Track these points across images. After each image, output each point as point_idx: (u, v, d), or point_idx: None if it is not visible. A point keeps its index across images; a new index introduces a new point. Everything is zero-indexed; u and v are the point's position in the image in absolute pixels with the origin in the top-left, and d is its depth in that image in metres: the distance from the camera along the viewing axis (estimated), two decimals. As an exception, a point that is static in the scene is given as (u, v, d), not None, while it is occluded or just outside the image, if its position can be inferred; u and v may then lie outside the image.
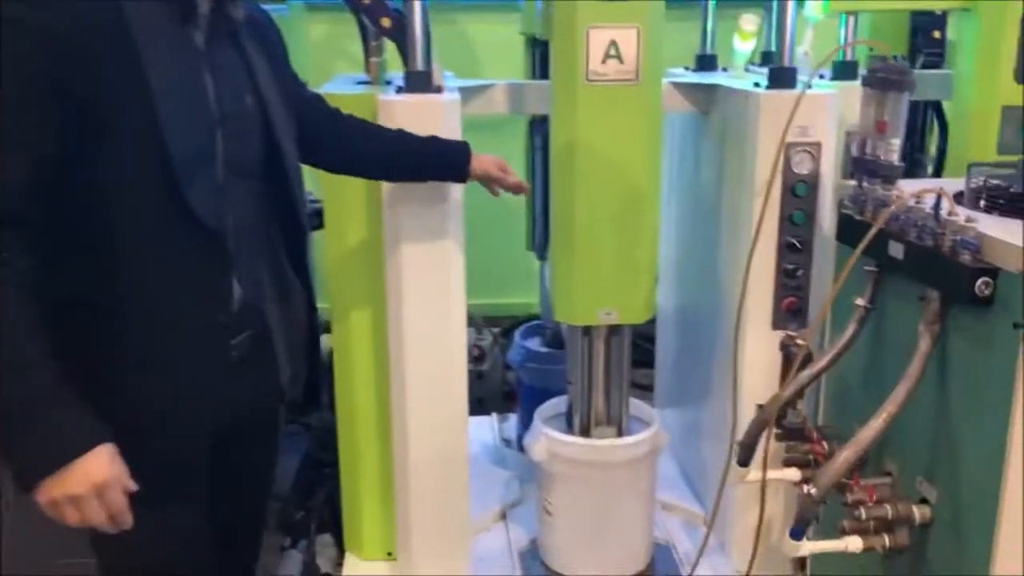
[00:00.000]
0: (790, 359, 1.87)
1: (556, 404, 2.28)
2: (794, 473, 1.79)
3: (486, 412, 3.11)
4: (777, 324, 2.03)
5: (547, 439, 2.10)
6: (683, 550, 2.29)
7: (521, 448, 2.74)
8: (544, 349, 2.69)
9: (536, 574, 2.20)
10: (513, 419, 3.02)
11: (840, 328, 1.77)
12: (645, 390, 2.97)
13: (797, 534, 1.60)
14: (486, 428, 2.97)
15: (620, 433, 2.11)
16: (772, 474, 1.75)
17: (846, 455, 1.55)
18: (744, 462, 1.80)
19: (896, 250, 1.58)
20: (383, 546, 2.23)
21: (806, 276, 2.01)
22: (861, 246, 1.57)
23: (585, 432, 2.13)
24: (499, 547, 2.32)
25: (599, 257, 1.93)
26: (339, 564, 2.31)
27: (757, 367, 2.05)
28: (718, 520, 2.22)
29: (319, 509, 2.50)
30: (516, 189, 1.90)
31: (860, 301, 1.70)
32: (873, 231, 1.56)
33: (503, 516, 2.46)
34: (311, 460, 2.65)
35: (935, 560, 1.58)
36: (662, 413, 2.42)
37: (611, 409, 2.15)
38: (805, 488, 1.57)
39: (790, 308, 2.01)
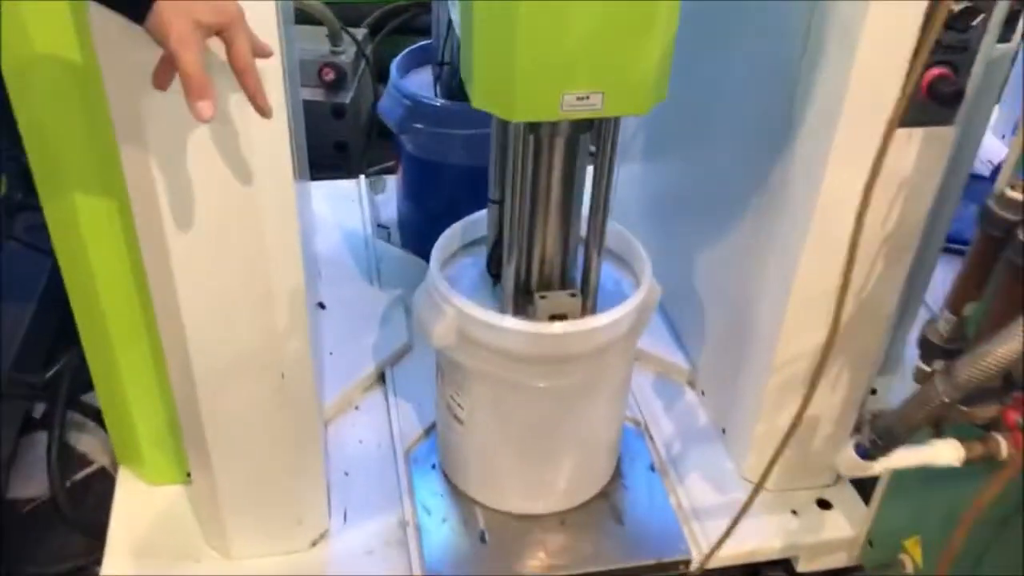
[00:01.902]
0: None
1: (467, 229, 1.33)
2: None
3: (351, 172, 2.11)
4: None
5: (456, 313, 1.17)
6: (660, 439, 1.50)
7: (406, 245, 1.82)
8: (439, 100, 1.65)
9: (436, 494, 1.38)
10: (392, 186, 2.04)
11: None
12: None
13: (864, 452, 1.02)
14: (351, 203, 2.00)
15: (582, 302, 1.20)
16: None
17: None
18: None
19: None
20: (174, 464, 1.35)
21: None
22: None
23: (522, 301, 1.21)
24: (373, 443, 1.46)
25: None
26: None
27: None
28: (719, 398, 1.42)
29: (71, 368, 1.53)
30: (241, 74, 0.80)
31: None
32: None
33: (380, 378, 1.58)
34: (53, 296, 1.64)
35: None
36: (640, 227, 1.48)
37: (567, 259, 1.22)
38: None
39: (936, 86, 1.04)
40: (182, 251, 0.99)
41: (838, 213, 1.11)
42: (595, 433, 1.33)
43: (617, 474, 1.42)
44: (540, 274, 1.22)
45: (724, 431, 1.48)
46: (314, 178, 1.99)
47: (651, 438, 1.49)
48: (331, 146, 2.25)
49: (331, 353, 1.57)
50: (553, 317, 1.17)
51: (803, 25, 1.14)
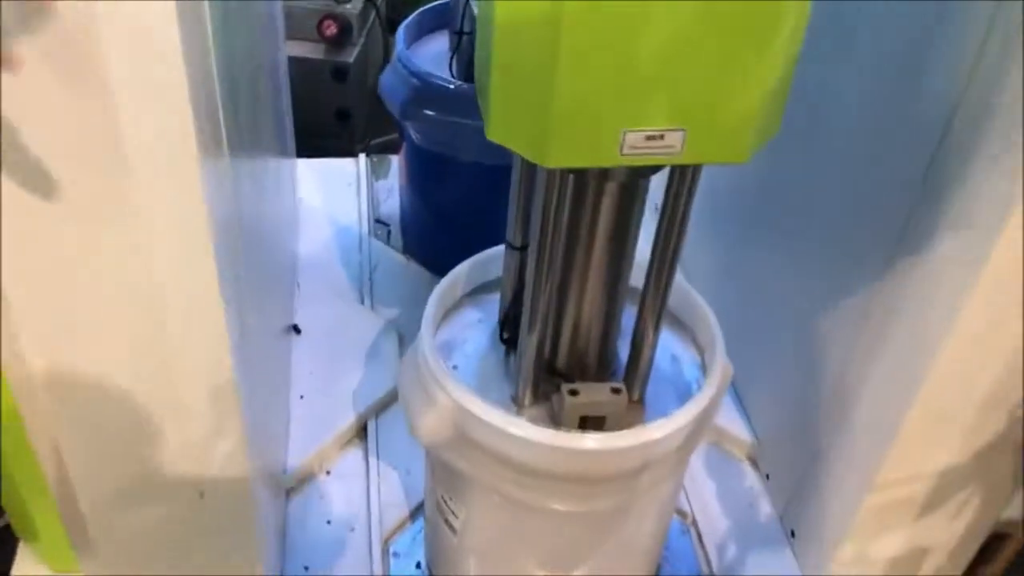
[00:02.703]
0: None
1: (475, 271, 0.99)
2: None
3: (353, 145, 1.76)
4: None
5: (451, 405, 0.84)
6: (712, 539, 1.17)
7: (407, 250, 1.49)
8: (454, 82, 1.30)
9: (419, 603, 1.08)
10: (394, 168, 1.70)
11: None
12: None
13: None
14: (347, 189, 1.66)
15: (627, 396, 0.87)
16: None
17: None
18: None
19: None
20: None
21: None
22: None
23: (544, 388, 0.88)
24: (344, 525, 1.15)
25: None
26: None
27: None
28: (790, 489, 1.10)
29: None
30: None
31: None
32: None
33: (362, 431, 1.26)
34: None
35: None
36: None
37: (609, 334, 0.89)
38: None
39: None
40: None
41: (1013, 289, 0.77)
42: (631, 555, 1.00)
43: (655, 591, 1.10)
44: (571, 352, 0.89)
45: (794, 534, 1.16)
46: (307, 153, 1.65)
47: (700, 537, 1.16)
48: (331, 114, 1.90)
49: (301, 397, 1.25)
50: (585, 420, 0.84)
51: (980, 27, 0.78)
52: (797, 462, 1.14)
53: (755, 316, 1.23)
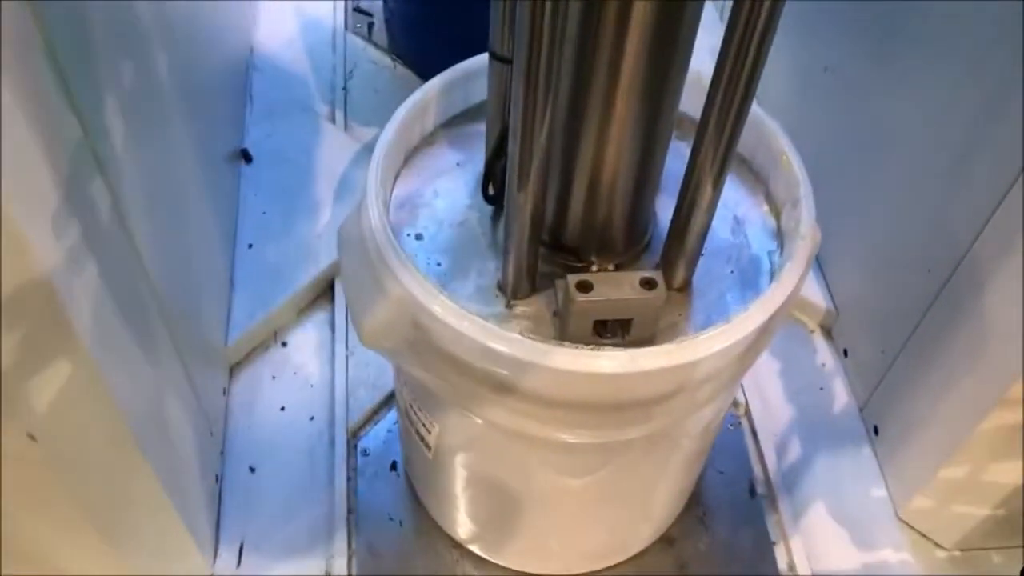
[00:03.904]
0: None
1: (452, 88, 0.69)
2: None
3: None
4: None
5: (411, 301, 0.56)
6: (770, 434, 0.91)
7: (394, 51, 1.19)
8: None
9: (393, 519, 0.85)
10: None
11: None
12: None
13: None
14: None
15: (666, 281, 0.58)
16: None
17: None
18: None
19: None
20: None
21: None
22: None
23: (544, 265, 0.59)
24: (302, 414, 0.91)
25: None
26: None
27: None
28: (876, 374, 0.85)
29: None
30: None
31: None
32: None
33: (328, 291, 0.99)
34: None
35: None
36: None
37: (643, 193, 0.59)
38: None
39: None
40: None
41: None
42: (660, 490, 0.75)
43: (694, 501, 0.86)
44: (585, 219, 0.60)
45: (877, 431, 0.90)
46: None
47: (755, 434, 0.91)
48: None
49: (250, 246, 0.98)
50: (603, 324, 0.56)
51: None
52: (889, 338, 0.87)
53: (845, 137, 0.92)
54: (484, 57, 0.66)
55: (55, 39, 0.49)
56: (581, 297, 0.54)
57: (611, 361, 0.53)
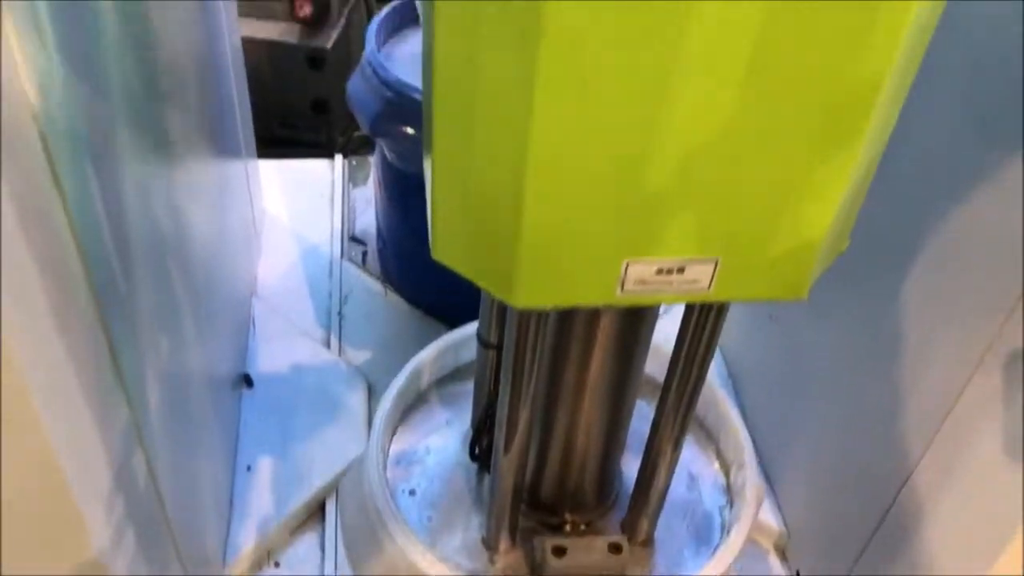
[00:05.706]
0: None
1: (444, 356, 0.79)
2: None
3: (332, 141, 1.55)
4: None
5: (401, 555, 0.64)
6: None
7: (386, 277, 1.30)
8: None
9: None
10: (373, 171, 1.48)
11: None
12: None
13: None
14: (320, 199, 1.44)
15: (629, 543, 0.67)
16: None
17: None
18: None
19: None
20: None
21: None
22: None
23: (526, 523, 0.68)
24: (296, 631, 0.96)
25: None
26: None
27: None
28: None
29: None
30: None
31: None
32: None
33: (319, 513, 1.07)
34: None
35: None
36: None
37: (608, 463, 0.68)
38: None
39: None
40: None
41: None
42: None
43: None
44: (560, 479, 0.69)
45: (831, 653, 0.96)
46: (278, 149, 1.44)
47: (717, 654, 0.97)
48: (306, 105, 1.68)
49: (248, 468, 1.06)
50: (575, 582, 0.65)
51: None
52: (837, 561, 0.94)
53: (792, 374, 1.03)
54: (469, 327, 0.77)
55: (111, 324, 0.57)
56: (556, 562, 0.63)
57: (582, 619, 0.61)
